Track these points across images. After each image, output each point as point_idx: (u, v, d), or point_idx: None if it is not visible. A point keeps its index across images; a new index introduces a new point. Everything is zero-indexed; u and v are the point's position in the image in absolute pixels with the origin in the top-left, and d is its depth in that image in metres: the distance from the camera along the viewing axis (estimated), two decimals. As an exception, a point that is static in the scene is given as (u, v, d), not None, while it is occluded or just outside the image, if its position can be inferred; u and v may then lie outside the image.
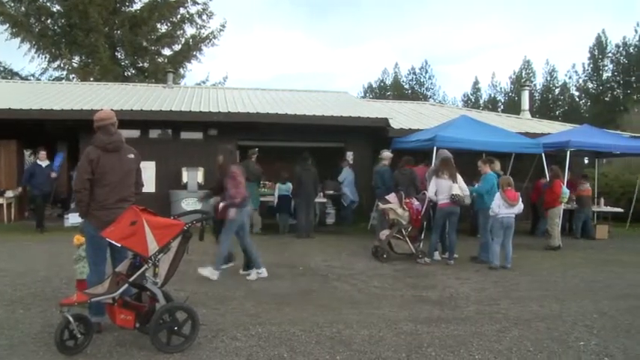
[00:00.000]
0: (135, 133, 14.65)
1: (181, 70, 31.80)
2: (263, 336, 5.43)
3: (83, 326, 4.77)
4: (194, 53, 31.49)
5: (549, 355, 5.09)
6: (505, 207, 9.75)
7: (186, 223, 5.01)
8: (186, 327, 4.95)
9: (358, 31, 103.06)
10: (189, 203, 13.71)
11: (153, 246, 4.77)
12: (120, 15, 29.56)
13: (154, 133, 15.34)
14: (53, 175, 13.43)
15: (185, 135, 15.46)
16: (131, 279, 4.84)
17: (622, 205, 16.68)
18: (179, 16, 31.21)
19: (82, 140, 13.53)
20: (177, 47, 31.30)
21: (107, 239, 4.89)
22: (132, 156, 5.64)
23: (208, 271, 8.06)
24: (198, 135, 15.44)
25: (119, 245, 4.86)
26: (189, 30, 31.61)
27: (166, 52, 31.42)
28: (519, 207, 9.88)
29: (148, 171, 14.36)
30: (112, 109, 6.12)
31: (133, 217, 4.86)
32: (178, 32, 31.34)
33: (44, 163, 13.44)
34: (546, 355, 5.09)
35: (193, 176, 14.32)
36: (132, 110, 14.47)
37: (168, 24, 31.15)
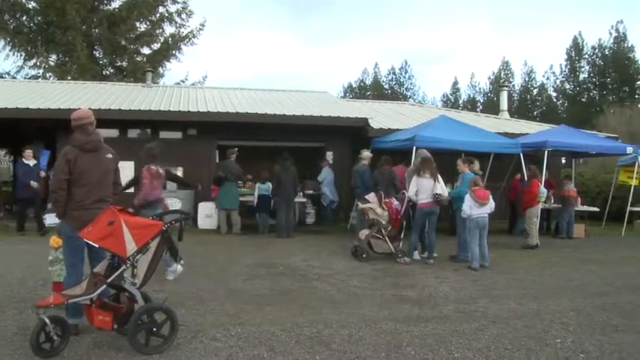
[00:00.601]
0: (113, 133, 14.50)
1: (160, 70, 31.57)
2: (243, 336, 5.41)
3: (60, 328, 4.71)
4: (173, 52, 31.29)
5: (527, 353, 5.14)
6: (477, 207, 9.79)
7: (165, 224, 4.98)
8: (165, 328, 4.91)
9: (338, 31, 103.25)
10: (169, 203, 13.59)
11: (131, 246, 4.73)
12: (98, 13, 29.26)
13: (132, 133, 15.20)
14: (42, 174, 12.93)
15: (164, 135, 15.32)
16: (109, 280, 4.80)
17: (598, 205, 16.91)
18: (158, 15, 30.98)
19: (60, 140, 13.37)
20: (156, 46, 31.09)
21: (85, 240, 4.84)
22: (110, 156, 5.59)
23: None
24: (177, 135, 15.33)
25: (97, 246, 4.82)
26: (169, 29, 31.45)
27: (145, 51, 31.22)
28: (491, 205, 9.92)
29: (127, 171, 14.18)
30: (90, 109, 6.05)
31: (111, 218, 4.81)
32: (157, 31, 31.13)
33: (31, 162, 12.95)
34: (524, 353, 5.14)
35: (172, 176, 14.21)
36: (110, 110, 14.32)
37: (148, 23, 30.91)
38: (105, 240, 4.73)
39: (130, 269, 4.80)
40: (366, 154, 13.10)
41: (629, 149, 14.62)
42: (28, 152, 12.95)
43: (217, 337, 5.36)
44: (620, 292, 7.96)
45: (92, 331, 5.14)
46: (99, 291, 4.76)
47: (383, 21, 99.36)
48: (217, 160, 15.35)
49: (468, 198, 9.84)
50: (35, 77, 28.83)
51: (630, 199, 15.24)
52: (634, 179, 15.00)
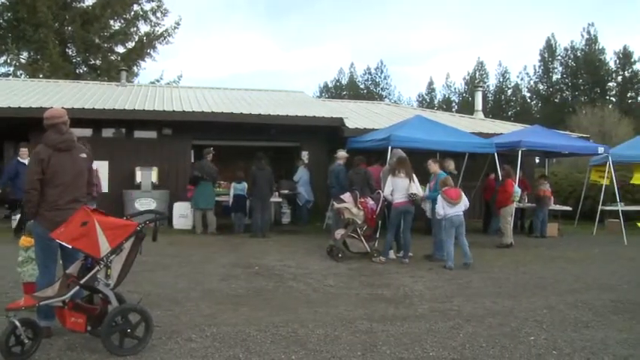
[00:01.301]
0: (87, 132, 14.34)
1: (135, 68, 31.33)
2: (218, 337, 5.39)
3: (31, 331, 4.62)
4: (148, 51, 31.09)
5: (501, 350, 5.20)
6: (449, 207, 9.86)
7: (139, 224, 4.93)
8: (139, 329, 4.87)
9: (314, 31, 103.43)
10: (143, 203, 13.51)
11: (105, 247, 4.68)
12: (71, 10, 28.89)
13: (106, 132, 15.05)
14: None
15: (139, 134, 15.23)
16: (82, 281, 4.74)
17: (570, 204, 17.16)
18: (132, 13, 30.76)
19: (32, 139, 13.16)
20: (130, 45, 30.86)
21: (57, 241, 4.78)
22: (84, 155, 5.52)
23: None
24: (152, 134, 15.23)
25: (70, 247, 4.76)
26: (143, 27, 31.25)
27: (120, 49, 30.99)
28: (465, 203, 10.01)
29: (101, 171, 14.08)
30: (63, 107, 5.98)
31: (84, 218, 4.76)
32: (132, 29, 30.90)
33: (27, 160, 11.97)
34: (498, 351, 5.20)
35: (147, 176, 14.10)
36: (84, 109, 14.15)
37: (122, 21, 30.65)
38: (78, 241, 4.68)
39: (104, 270, 4.74)
40: (342, 153, 13.14)
41: (601, 149, 14.84)
42: (24, 151, 12.22)
43: (193, 337, 5.33)
44: (591, 289, 8.09)
45: (65, 334, 5.07)
46: (71, 292, 4.70)
47: (359, 21, 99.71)
48: (192, 160, 15.27)
49: (439, 199, 9.92)
50: (5, 75, 28.33)
51: (601, 199, 15.49)
52: (605, 179, 15.24)
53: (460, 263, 9.68)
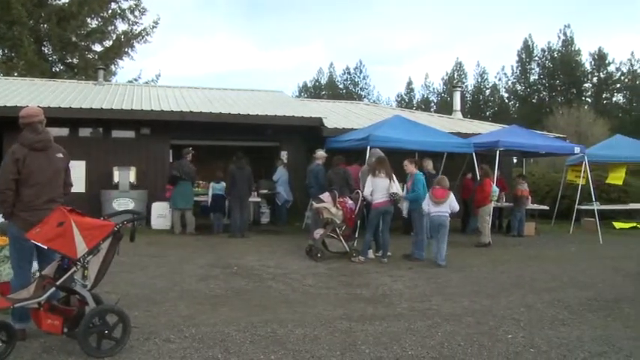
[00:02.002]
0: (64, 132, 14.21)
1: (113, 67, 31.02)
2: (197, 337, 5.37)
3: (5, 333, 4.55)
4: (126, 50, 30.75)
5: (479, 349, 5.25)
6: (433, 205, 10.11)
7: (116, 224, 4.89)
8: (117, 330, 4.82)
9: (293, 31, 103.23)
10: (121, 203, 13.40)
11: (82, 247, 4.63)
12: (46, 8, 28.48)
13: (84, 132, 14.88)
14: None
15: (116, 134, 15.08)
16: (59, 282, 4.69)
17: (547, 203, 17.35)
18: (110, 12, 30.44)
19: (7, 139, 12.97)
20: (108, 43, 30.51)
21: (33, 241, 4.72)
22: (60, 155, 5.46)
23: None
24: (130, 134, 15.09)
25: (46, 247, 4.70)
26: (121, 26, 30.94)
27: (97, 48, 30.59)
28: (450, 205, 10.18)
29: (78, 170, 13.93)
30: (39, 106, 5.90)
31: (61, 218, 4.71)
32: (109, 28, 30.56)
33: None
34: (476, 349, 5.24)
35: (125, 176, 13.98)
36: (60, 108, 13.98)
37: (99, 19, 30.29)
38: (54, 241, 4.63)
39: (81, 271, 4.70)
40: (321, 153, 13.16)
41: (577, 149, 15.03)
42: None
43: (171, 338, 5.30)
44: (568, 287, 8.20)
45: (40, 336, 5.00)
46: (47, 294, 4.64)
47: (338, 21, 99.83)
48: (171, 160, 15.17)
49: (427, 196, 10.23)
50: (-22, 73, 27.89)
51: (578, 198, 15.68)
52: (581, 178, 15.43)
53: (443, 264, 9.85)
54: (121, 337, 4.82)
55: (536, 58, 60.80)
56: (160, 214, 14.02)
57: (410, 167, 10.81)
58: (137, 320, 5.61)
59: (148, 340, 5.18)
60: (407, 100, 66.41)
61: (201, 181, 15.03)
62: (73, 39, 29.16)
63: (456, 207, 10.36)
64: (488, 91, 64.69)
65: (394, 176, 10.25)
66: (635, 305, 7.13)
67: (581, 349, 5.29)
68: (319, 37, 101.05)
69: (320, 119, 15.50)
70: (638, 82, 58.12)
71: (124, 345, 4.83)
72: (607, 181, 17.29)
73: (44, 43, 29.13)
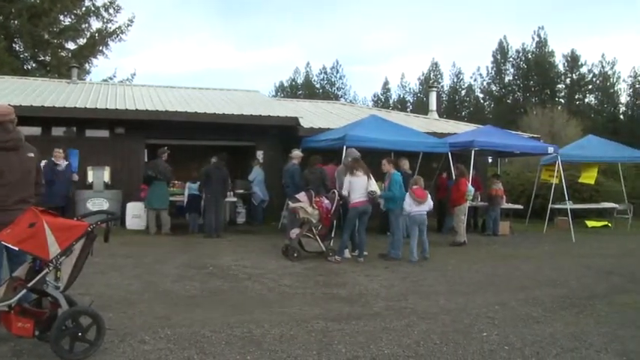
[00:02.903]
0: (36, 131, 13.98)
1: (87, 66, 30.65)
2: (172, 338, 5.32)
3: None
4: (100, 48, 30.43)
5: (455, 347, 5.28)
6: (415, 205, 10.43)
7: (90, 224, 4.82)
8: (91, 332, 4.75)
9: (270, 31, 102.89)
10: (95, 203, 13.25)
11: (54, 248, 4.56)
12: (17, 3, 27.96)
13: (57, 131, 14.69)
14: (75, 177, 11.01)
15: (90, 133, 14.90)
16: (30, 284, 4.61)
17: (522, 202, 17.55)
18: (84, 9, 30.09)
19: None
20: (82, 41, 30.15)
21: (3, 242, 4.63)
22: (31, 155, 5.38)
23: None
24: (104, 133, 14.92)
25: (16, 249, 4.62)
26: (95, 24, 30.62)
27: (70, 45, 30.20)
28: (429, 204, 10.69)
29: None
30: (9, 105, 5.80)
31: (32, 219, 4.63)
32: (83, 25, 30.22)
33: (62, 163, 10.90)
34: (452, 347, 5.28)
35: (99, 175, 13.84)
36: (32, 106, 13.77)
37: (72, 16, 29.91)
38: (25, 242, 4.54)
39: (54, 272, 4.62)
40: (297, 153, 13.16)
41: (551, 149, 15.23)
42: (59, 152, 10.98)
43: (146, 339, 5.25)
44: (541, 286, 8.30)
45: (10, 339, 4.89)
46: (18, 296, 4.55)
47: (315, 21, 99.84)
48: (146, 160, 15.05)
49: (407, 196, 10.42)
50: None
51: (551, 197, 15.89)
52: (555, 178, 15.63)
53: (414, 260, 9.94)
54: (94, 339, 4.75)
55: (511, 59, 61.51)
56: (135, 214, 13.88)
57: (387, 167, 10.85)
58: (111, 322, 5.54)
59: (122, 342, 5.12)
60: (383, 100, 66.66)
61: (176, 181, 14.93)
62: (46, 36, 28.75)
63: (432, 204, 10.95)
64: (463, 92, 65.24)
65: (371, 176, 10.29)
66: (606, 302, 7.25)
67: (554, 345, 5.36)
68: (296, 37, 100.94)
69: (296, 119, 15.49)
70: (609, 84, 59.13)
71: (97, 347, 4.76)
72: (579, 181, 17.55)
73: (15, 40, 28.64)
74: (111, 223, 5.35)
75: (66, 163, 10.88)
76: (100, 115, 14.32)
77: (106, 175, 13.91)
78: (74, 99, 15.36)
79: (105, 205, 13.21)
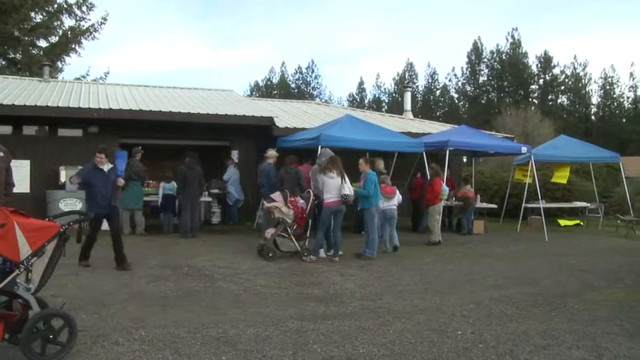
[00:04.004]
0: (6, 130, 13.76)
1: (59, 64, 30.20)
2: (146, 339, 5.28)
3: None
4: (73, 46, 29.98)
5: (429, 346, 5.32)
6: (385, 201, 11.08)
7: (62, 225, 4.76)
8: (63, 334, 4.69)
9: (245, 30, 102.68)
10: (68, 204, 13.07)
11: (25, 250, 4.49)
12: (-16, 0, 27.49)
13: (28, 130, 14.43)
14: (121, 182, 9.44)
15: (63, 132, 14.67)
16: (0, 286, 4.53)
17: (496, 202, 17.72)
18: (56, 6, 29.59)
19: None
20: (54, 39, 29.66)
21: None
22: (1, 154, 5.30)
23: None
24: (77, 132, 14.70)
25: (-14, 251, 4.53)
26: (68, 21, 30.11)
27: (42, 43, 29.71)
28: (398, 198, 11.49)
29: (22, 170, 13.52)
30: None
31: (3, 220, 4.54)
32: (55, 23, 29.71)
33: (106, 167, 9.20)
34: (427, 346, 5.31)
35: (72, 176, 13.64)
36: (2, 105, 13.51)
37: (44, 13, 29.41)
38: (-5, 243, 4.47)
39: (24, 274, 4.55)
40: (272, 152, 13.14)
41: (524, 149, 15.41)
42: (101, 157, 9.24)
43: (120, 341, 5.20)
44: (515, 284, 8.40)
45: (-19, 342, 4.84)
46: (-12, 299, 4.48)
47: (290, 20, 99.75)
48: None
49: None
50: None
51: (525, 197, 16.07)
52: (528, 177, 15.81)
53: (388, 259, 10.10)
54: (67, 341, 4.69)
55: (485, 60, 62.21)
56: (109, 214, 13.71)
57: (363, 166, 10.90)
58: (84, 323, 5.49)
59: (95, 344, 5.07)
60: (358, 100, 66.97)
61: (151, 181, 14.79)
62: (16, 33, 28.23)
63: (401, 198, 11.88)
64: (438, 92, 65.81)
65: (346, 176, 10.31)
66: (578, 300, 7.38)
67: (527, 343, 5.44)
68: (271, 37, 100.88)
69: (271, 118, 15.45)
70: (580, 85, 60.08)
71: (70, 349, 4.70)
72: (552, 180, 17.78)
73: (-17, 36, 28.12)
74: (84, 223, 5.29)
75: (110, 166, 9.36)
76: (72, 114, 14.11)
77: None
78: (46, 97, 15.12)
79: (78, 205, 13.02)
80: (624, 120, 59.13)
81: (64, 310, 4.89)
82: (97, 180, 8.94)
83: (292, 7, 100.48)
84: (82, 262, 8.89)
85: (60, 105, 14.26)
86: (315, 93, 66.62)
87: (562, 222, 17.71)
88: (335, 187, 10.12)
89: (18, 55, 28.91)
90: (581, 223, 17.88)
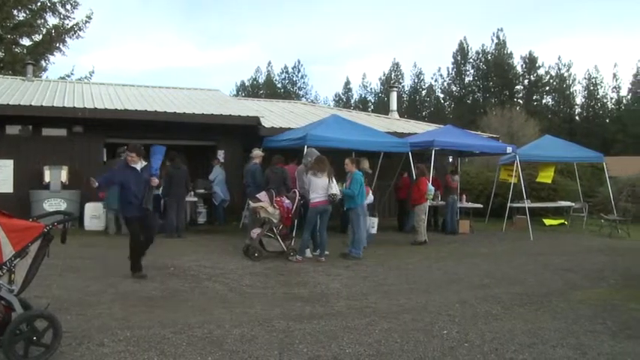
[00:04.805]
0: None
1: (43, 63, 29.94)
2: (132, 340, 5.25)
3: None
4: (57, 45, 29.70)
5: (415, 345, 5.34)
6: None
7: (46, 225, 4.72)
8: (47, 336, 4.65)
9: (231, 30, 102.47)
10: (52, 204, 12.97)
11: (8, 250, 4.44)
12: (-34, -3, 27.17)
13: (11, 130, 14.27)
14: (155, 182, 8.55)
15: (47, 131, 14.52)
16: (-18, 288, 4.49)
17: (481, 201, 17.80)
18: (39, 4, 29.28)
19: None
20: (37, 37, 29.37)
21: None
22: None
23: None
24: (61, 132, 14.57)
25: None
26: (52, 20, 29.81)
27: (25, 42, 29.41)
28: (370, 198, 11.83)
29: (5, 170, 13.42)
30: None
31: (-15, 220, 4.51)
32: (39, 21, 29.41)
33: (139, 165, 8.42)
34: (413, 345, 5.33)
35: (56, 175, 13.51)
36: (-16, 104, 13.39)
37: (27, 11, 29.11)
38: (-23, 245, 4.42)
39: (7, 275, 4.50)
40: (257, 152, 13.11)
41: (509, 149, 15.50)
42: (132, 156, 8.43)
43: (105, 342, 5.16)
44: (500, 283, 8.46)
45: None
46: (-30, 300, 4.43)
47: (277, 20, 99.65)
48: (105, 159, 14.79)
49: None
50: None
51: (510, 196, 16.16)
52: (513, 177, 15.90)
53: (375, 259, 10.08)
54: (51, 343, 4.64)
55: (471, 61, 62.56)
56: (94, 214, 13.62)
57: (350, 166, 10.93)
58: (69, 324, 5.44)
59: (80, 345, 5.03)
60: (345, 100, 67.08)
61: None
62: (-1, 32, 27.97)
63: (372, 198, 12.32)
64: (424, 92, 66.06)
65: (333, 177, 10.32)
66: (562, 299, 7.45)
67: (512, 341, 5.48)
68: (258, 36, 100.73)
69: (257, 118, 15.42)
70: (565, 86, 60.58)
71: (54, 351, 4.65)
72: (537, 180, 17.90)
73: (-35, 34, 27.81)
74: (68, 223, 5.24)
75: (143, 164, 8.51)
76: (57, 114, 13.99)
77: (63, 174, 13.60)
78: (30, 96, 14.97)
79: (62, 205, 12.94)
80: (608, 120, 59.81)
81: (48, 312, 4.84)
82: (130, 180, 8.19)
83: (279, 6, 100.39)
84: (136, 274, 8.17)
85: (44, 104, 14.14)
86: (301, 93, 66.67)
87: (547, 221, 17.84)
88: (322, 186, 10.12)
89: (1, 53, 28.60)
90: (566, 223, 18.01)
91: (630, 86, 60.23)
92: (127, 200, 8.27)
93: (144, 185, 8.27)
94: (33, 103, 14.03)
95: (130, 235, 8.40)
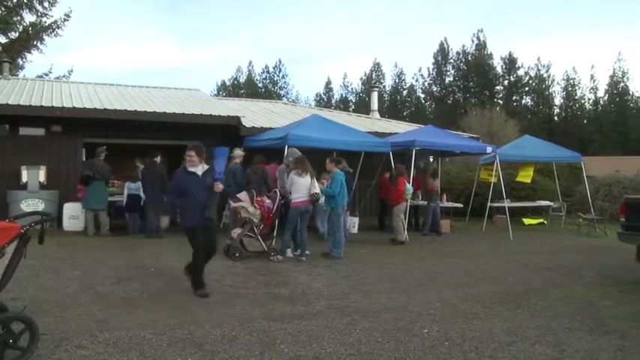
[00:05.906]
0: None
1: (20, 61, 29.49)
2: (111, 342, 5.20)
3: None
4: (34, 42, 29.30)
5: (396, 344, 5.36)
6: None
7: (23, 226, 4.66)
8: (23, 338, 4.59)
9: (212, 29, 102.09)
10: (30, 204, 12.81)
11: (-16, 252, 4.39)
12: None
13: (-13, 129, 14.09)
14: (219, 187, 7.75)
15: (24, 131, 14.31)
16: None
17: (462, 201, 17.89)
18: (15, 1, 28.88)
19: None
20: (14, 35, 28.96)
21: None
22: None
23: None
24: (39, 131, 14.36)
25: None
26: (29, 17, 29.36)
27: (1, 39, 28.96)
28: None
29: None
30: None
31: (-39, 221, 4.44)
32: (15, 18, 28.97)
33: (199, 169, 7.60)
34: (393, 345, 5.35)
35: (34, 175, 13.34)
36: (-41, 102, 13.17)
37: (2, 8, 28.67)
38: (-48, 245, 4.35)
39: (-17, 277, 4.44)
40: (238, 152, 13.07)
41: (489, 149, 15.60)
42: (191, 156, 7.61)
43: (84, 344, 5.11)
44: (480, 282, 8.52)
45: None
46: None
47: (258, 20, 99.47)
48: (84, 159, 14.64)
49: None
50: None
51: (490, 196, 16.27)
52: (493, 177, 16.01)
53: (355, 258, 10.08)
54: (27, 345, 4.58)
55: (451, 61, 62.99)
56: (72, 215, 13.46)
57: (330, 166, 10.95)
58: (47, 326, 5.38)
59: (58, 348, 4.98)
60: (326, 100, 67.14)
61: (116, 181, 14.57)
62: (-28, 28, 27.55)
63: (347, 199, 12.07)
64: (405, 92, 66.34)
65: (315, 178, 10.34)
66: (541, 297, 7.53)
67: (492, 340, 5.52)
68: (239, 36, 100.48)
69: (238, 118, 15.36)
70: (544, 86, 61.24)
71: (31, 354, 4.60)
72: (517, 179, 18.05)
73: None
74: (46, 224, 5.18)
75: (205, 168, 7.72)
76: (34, 113, 13.77)
77: (41, 174, 13.43)
78: (6, 95, 14.75)
79: (40, 206, 12.79)
80: (585, 121, 60.62)
81: (24, 314, 4.78)
82: (191, 186, 7.43)
83: (259, 6, 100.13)
84: (199, 292, 7.30)
85: (21, 103, 13.92)
86: (282, 92, 66.60)
87: (526, 221, 18.00)
88: (305, 186, 10.13)
89: (-26, 50, 28.19)
90: (545, 222, 18.20)
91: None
92: (191, 209, 7.47)
93: (207, 191, 7.58)
94: (10, 102, 13.80)
95: (193, 248, 7.64)
